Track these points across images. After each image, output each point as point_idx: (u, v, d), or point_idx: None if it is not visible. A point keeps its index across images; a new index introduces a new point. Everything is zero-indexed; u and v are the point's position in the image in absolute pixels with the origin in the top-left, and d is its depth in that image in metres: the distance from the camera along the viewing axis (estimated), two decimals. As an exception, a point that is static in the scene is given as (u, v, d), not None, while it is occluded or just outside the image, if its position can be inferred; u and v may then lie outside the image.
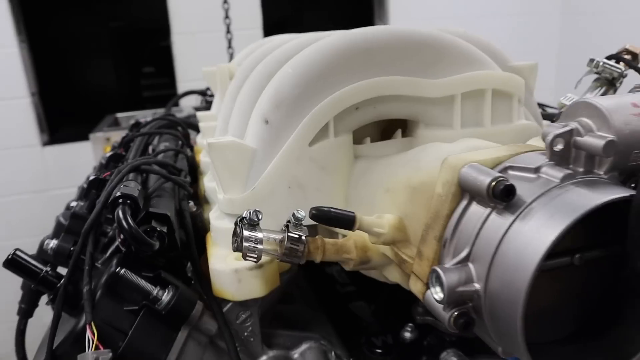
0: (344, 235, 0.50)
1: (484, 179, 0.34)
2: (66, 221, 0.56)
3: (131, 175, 0.53)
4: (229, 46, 2.34)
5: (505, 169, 0.37)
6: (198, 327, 0.49)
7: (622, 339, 0.37)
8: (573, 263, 0.37)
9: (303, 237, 0.44)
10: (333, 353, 0.56)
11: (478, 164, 0.36)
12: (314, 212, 0.43)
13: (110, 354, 0.42)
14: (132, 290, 0.47)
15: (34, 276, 0.47)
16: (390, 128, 0.60)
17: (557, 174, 0.34)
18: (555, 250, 0.37)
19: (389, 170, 0.49)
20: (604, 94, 0.54)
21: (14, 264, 0.47)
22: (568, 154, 0.35)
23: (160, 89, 3.24)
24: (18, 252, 0.47)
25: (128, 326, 0.46)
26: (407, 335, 0.56)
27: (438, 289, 0.35)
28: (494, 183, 0.33)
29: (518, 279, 0.31)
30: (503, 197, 0.33)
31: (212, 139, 0.51)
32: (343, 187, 0.53)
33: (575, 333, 0.39)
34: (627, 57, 0.57)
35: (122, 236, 0.46)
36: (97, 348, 0.42)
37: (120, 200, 0.45)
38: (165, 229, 0.47)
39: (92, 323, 0.43)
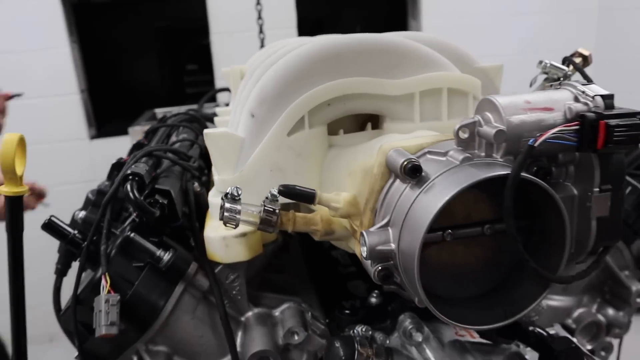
0: (316, 211, 0.59)
1: (399, 160, 0.42)
2: (93, 197, 0.68)
3: (144, 159, 0.65)
4: (262, 45, 2.46)
5: (424, 154, 0.45)
6: (193, 283, 0.59)
7: (520, 296, 0.44)
8: (484, 233, 0.45)
9: (276, 210, 0.54)
10: (310, 314, 0.65)
11: (402, 149, 0.45)
12: (281, 188, 0.53)
13: (119, 298, 0.53)
14: (140, 251, 0.58)
15: (64, 237, 0.59)
16: (366, 122, 0.68)
17: (458, 156, 0.42)
18: (468, 221, 0.45)
19: (353, 156, 0.58)
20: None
21: (50, 226, 0.59)
22: (473, 141, 0.43)
23: (203, 85, 3.41)
24: (53, 218, 0.59)
25: (135, 278, 0.57)
26: (373, 300, 0.65)
27: (364, 248, 0.44)
28: (405, 163, 0.42)
29: (415, 239, 0.39)
30: (411, 174, 0.41)
31: (209, 129, 0.62)
32: (317, 171, 0.62)
33: (489, 291, 0.47)
34: (579, 59, 0.63)
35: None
36: (109, 293, 0.54)
37: (130, 177, 0.57)
38: (166, 202, 0.58)
39: (107, 274, 0.55)
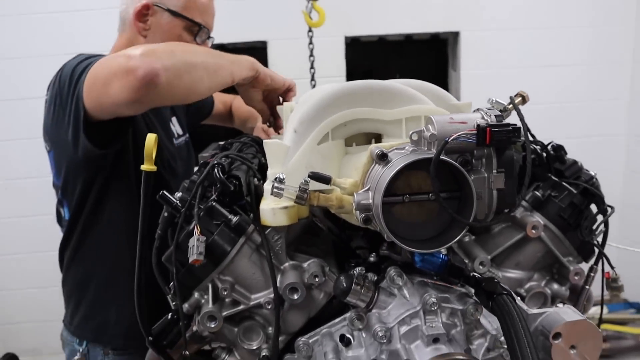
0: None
1: (375, 151, 0.73)
2: (187, 184, 1.01)
3: (223, 159, 0.98)
4: (312, 91, 2.83)
5: (393, 150, 0.75)
6: (250, 238, 0.90)
7: (448, 236, 0.72)
8: (429, 199, 0.73)
9: (307, 190, 0.85)
10: (327, 268, 0.94)
11: (380, 146, 0.75)
12: (310, 174, 0.84)
13: (205, 239, 0.85)
14: (218, 214, 0.90)
15: (170, 204, 0.92)
16: (373, 139, 0.99)
17: (409, 149, 0.72)
18: (421, 191, 0.74)
19: (358, 159, 0.88)
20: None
21: (162, 197, 0.92)
22: (420, 142, 0.73)
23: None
24: (164, 192, 0.93)
25: (214, 231, 0.89)
26: (371, 259, 0.93)
27: (354, 202, 0.74)
28: (377, 152, 0.72)
29: (379, 197, 0.69)
30: (379, 158, 0.71)
31: (267, 140, 0.95)
32: (337, 169, 0.93)
33: (434, 235, 0.75)
34: (519, 98, 0.91)
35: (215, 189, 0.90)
36: (199, 236, 0.86)
37: (217, 165, 0.90)
38: (237, 183, 0.91)
39: (198, 225, 0.87)
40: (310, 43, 2.78)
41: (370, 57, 4.90)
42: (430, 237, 0.74)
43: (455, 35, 3.56)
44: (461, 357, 0.72)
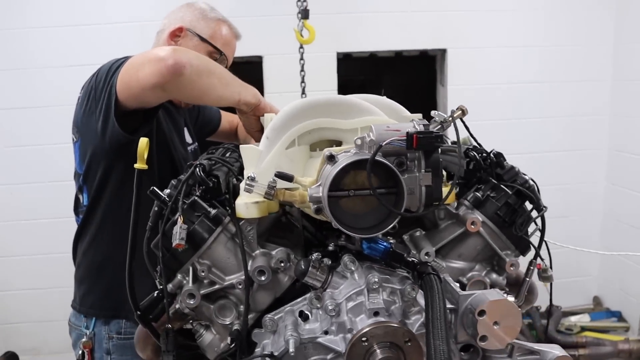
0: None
1: (326, 153, 0.88)
2: (175, 183, 1.16)
3: (206, 161, 1.13)
4: (303, 103, 2.99)
5: (342, 152, 0.90)
6: (226, 228, 1.05)
7: (384, 224, 0.87)
8: (372, 194, 0.88)
9: (274, 187, 1.00)
10: (293, 256, 1.09)
11: (332, 149, 0.91)
12: (276, 173, 0.99)
13: (187, 227, 1.00)
14: (200, 207, 1.05)
15: (159, 198, 1.07)
16: (338, 145, 1.14)
17: (353, 152, 0.87)
18: (362, 187, 0.89)
19: (319, 162, 1.03)
20: (437, 129, 1.04)
21: (152, 192, 1.07)
22: (364, 146, 0.88)
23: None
24: (154, 188, 1.08)
25: (195, 221, 1.04)
26: (330, 248, 1.08)
27: (309, 195, 0.89)
28: (327, 154, 0.87)
29: (326, 191, 0.84)
30: (328, 159, 0.87)
31: (243, 145, 1.10)
32: (301, 171, 1.08)
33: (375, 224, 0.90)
34: (459, 112, 1.07)
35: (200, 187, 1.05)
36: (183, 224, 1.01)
37: (199, 165, 1.05)
38: (215, 180, 1.06)
39: (182, 216, 1.02)
40: (302, 59, 2.95)
41: (364, 72, 5.08)
42: (370, 225, 0.89)
43: (443, 52, 3.73)
44: (394, 326, 0.87)
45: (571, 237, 3.81)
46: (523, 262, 1.18)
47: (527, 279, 1.19)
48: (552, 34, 3.67)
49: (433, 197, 0.88)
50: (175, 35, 1.68)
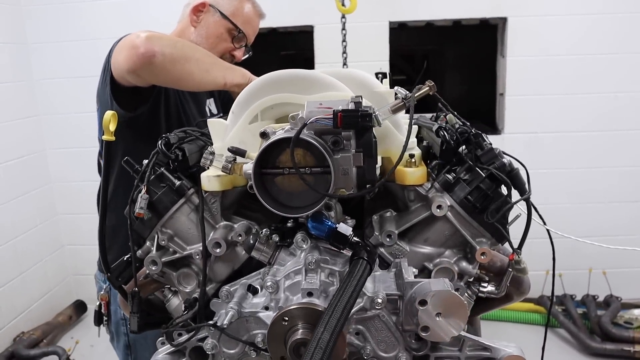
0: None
1: (261, 130, 0.87)
2: (155, 153, 1.21)
3: (180, 133, 1.17)
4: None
5: (280, 129, 0.89)
6: (190, 199, 1.08)
7: (316, 203, 0.85)
8: (305, 172, 0.86)
9: (231, 162, 1.01)
10: (256, 230, 1.10)
11: (271, 126, 0.89)
12: (228, 148, 1.00)
13: (148, 197, 1.04)
14: (165, 179, 1.09)
15: (132, 167, 1.12)
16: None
17: (286, 129, 0.85)
18: (301, 165, 0.87)
19: (277, 137, 1.03)
20: (397, 106, 0.99)
21: (127, 162, 1.12)
22: (297, 124, 0.86)
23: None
24: (128, 158, 1.13)
25: (159, 191, 1.08)
26: (289, 224, 1.07)
27: (244, 174, 0.89)
28: (260, 130, 0.86)
29: (253, 169, 0.84)
30: (260, 135, 0.86)
31: (210, 119, 1.11)
32: (264, 146, 1.08)
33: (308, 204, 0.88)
34: (426, 87, 1.00)
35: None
36: (145, 194, 1.05)
37: (162, 138, 1.09)
38: (180, 154, 1.09)
39: (146, 186, 1.06)
40: (343, 29, 2.89)
41: (425, 42, 4.88)
42: (304, 205, 0.88)
43: (504, 20, 3.48)
44: (316, 308, 0.85)
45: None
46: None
47: (509, 270, 1.12)
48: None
49: (365, 178, 0.84)
50: (198, 10, 1.74)
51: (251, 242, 0.98)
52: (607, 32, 3.33)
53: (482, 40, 4.08)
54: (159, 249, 1.10)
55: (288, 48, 5.08)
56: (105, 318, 1.71)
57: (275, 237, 1.00)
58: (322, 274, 0.93)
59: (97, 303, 1.73)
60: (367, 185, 0.85)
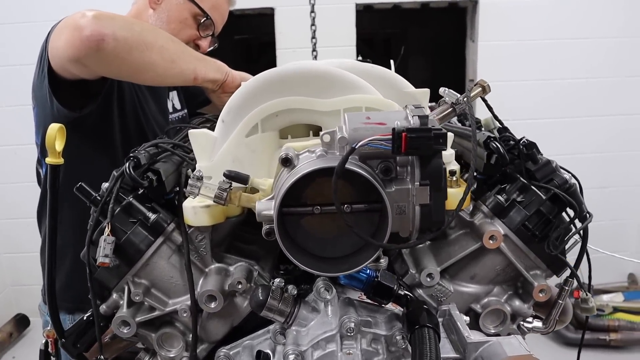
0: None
1: (280, 154, 0.62)
2: (116, 174, 0.93)
3: (150, 148, 0.89)
4: (314, 62, 2.71)
5: (305, 151, 0.65)
6: (170, 238, 0.82)
7: (362, 257, 0.62)
8: (344, 211, 0.63)
9: (227, 189, 0.75)
10: (258, 273, 0.86)
11: (291, 147, 0.65)
12: (225, 172, 0.74)
13: (114, 239, 0.77)
14: (136, 211, 0.82)
15: (88, 197, 0.84)
16: (318, 131, 0.88)
17: (318, 153, 0.61)
18: (329, 201, 0.63)
19: (287, 154, 0.78)
20: (445, 113, 0.77)
21: (79, 189, 0.84)
22: (333, 144, 0.62)
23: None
24: (82, 184, 0.85)
25: (129, 229, 0.81)
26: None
27: (257, 215, 0.64)
28: (282, 155, 0.62)
29: (276, 209, 0.59)
30: (282, 162, 0.61)
31: (193, 129, 0.85)
32: (267, 164, 0.83)
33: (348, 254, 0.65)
34: (478, 88, 0.79)
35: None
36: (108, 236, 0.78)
37: (130, 158, 0.81)
38: (155, 178, 0.82)
39: (109, 223, 0.79)
40: (312, 11, 2.63)
41: (387, 25, 4.68)
42: (341, 255, 0.64)
43: (474, 3, 3.32)
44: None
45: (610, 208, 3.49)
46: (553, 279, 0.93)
47: (560, 302, 0.93)
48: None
49: (431, 220, 0.61)
50: None
51: (260, 297, 0.73)
52: (582, 16, 3.24)
53: (448, 24, 3.92)
54: (132, 305, 0.83)
55: (242, 32, 4.74)
56: (53, 358, 1.41)
57: (293, 290, 0.76)
58: (364, 341, 0.70)
59: (43, 341, 1.44)
60: (432, 229, 0.63)
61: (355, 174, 0.58)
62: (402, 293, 0.72)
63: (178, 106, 1.63)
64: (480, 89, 0.78)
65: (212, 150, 0.84)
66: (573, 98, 3.36)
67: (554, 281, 0.92)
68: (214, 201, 0.76)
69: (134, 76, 1.16)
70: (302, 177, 0.57)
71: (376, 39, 5.00)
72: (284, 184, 0.60)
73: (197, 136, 0.84)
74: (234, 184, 0.75)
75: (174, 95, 1.62)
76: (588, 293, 0.89)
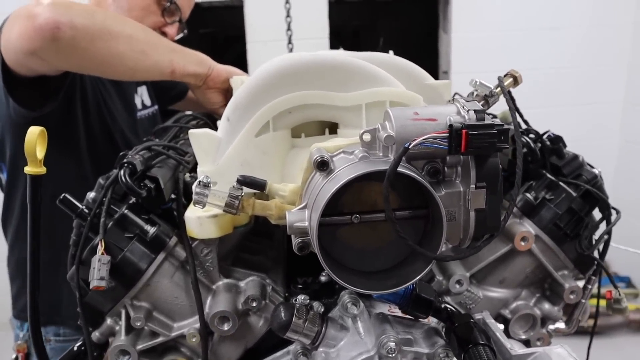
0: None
1: (314, 156, 0.54)
2: (103, 182, 0.82)
3: (143, 152, 0.79)
4: (290, 55, 2.61)
5: (340, 153, 0.57)
6: (172, 253, 0.73)
7: (410, 270, 0.55)
8: (395, 219, 0.55)
9: (239, 196, 0.67)
10: (271, 287, 0.77)
11: (322, 148, 0.57)
12: (239, 178, 0.65)
13: (109, 259, 0.67)
14: (132, 224, 0.72)
15: (74, 210, 0.74)
16: (333, 127, 0.80)
17: (359, 154, 0.53)
18: (375, 208, 0.56)
19: (305, 155, 0.69)
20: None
21: (63, 201, 0.73)
22: (374, 144, 0.54)
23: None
24: (66, 195, 0.74)
25: (125, 246, 0.71)
26: (322, 278, 0.76)
27: (288, 225, 0.56)
28: (317, 158, 0.53)
29: (316, 218, 0.51)
30: (319, 166, 0.53)
31: (193, 130, 0.75)
32: (280, 167, 0.75)
33: (391, 267, 0.57)
34: (509, 79, 0.72)
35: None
36: (102, 255, 0.68)
37: (124, 165, 0.71)
38: (152, 186, 0.72)
39: (102, 240, 0.69)
40: (287, 2, 2.53)
41: (357, 17, 4.62)
42: (385, 269, 0.57)
43: (447, -6, 3.30)
44: None
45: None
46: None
47: (583, 301, 0.89)
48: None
49: (487, 225, 0.55)
50: None
51: (283, 317, 0.65)
52: (555, 6, 3.26)
53: (417, 15, 3.90)
54: (130, 331, 0.73)
55: (207, 25, 4.58)
56: (24, 374, 1.29)
57: (319, 307, 0.68)
58: (404, 362, 0.63)
59: (13, 356, 1.31)
60: (486, 236, 0.56)
61: (402, 177, 0.51)
62: (442, 306, 0.65)
63: (148, 102, 1.49)
64: (511, 79, 0.72)
65: (217, 152, 0.74)
66: (547, 89, 3.39)
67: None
68: (223, 210, 0.67)
69: (100, 69, 1.04)
70: (348, 183, 0.49)
71: (345, 32, 4.93)
72: (324, 192, 0.51)
73: (199, 137, 0.74)
74: (245, 190, 0.67)
75: (142, 90, 1.49)
76: (621, 293, 0.85)
